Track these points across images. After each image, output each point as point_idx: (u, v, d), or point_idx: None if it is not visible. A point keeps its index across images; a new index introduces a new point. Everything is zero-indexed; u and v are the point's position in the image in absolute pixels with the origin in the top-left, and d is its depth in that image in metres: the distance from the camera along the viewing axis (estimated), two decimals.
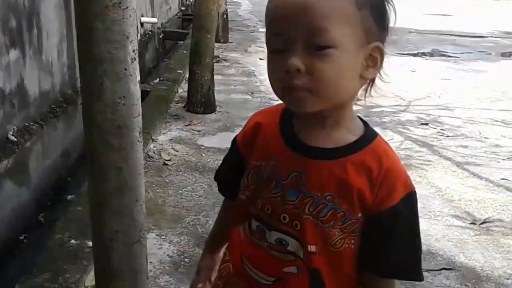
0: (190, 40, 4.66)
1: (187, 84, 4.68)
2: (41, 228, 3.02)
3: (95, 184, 1.14)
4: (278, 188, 0.89)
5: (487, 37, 10.37)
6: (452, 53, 8.34)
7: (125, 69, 1.01)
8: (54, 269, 2.05)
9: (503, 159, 3.70)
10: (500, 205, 2.97)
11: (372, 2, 0.84)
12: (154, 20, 6.20)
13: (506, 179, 3.33)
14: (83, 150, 3.84)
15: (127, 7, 0.98)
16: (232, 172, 1.00)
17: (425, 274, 2.18)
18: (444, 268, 2.29)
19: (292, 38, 0.81)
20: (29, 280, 2.00)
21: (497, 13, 14.30)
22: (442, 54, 8.26)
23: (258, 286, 0.94)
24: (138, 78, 1.05)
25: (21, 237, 2.85)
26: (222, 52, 6.79)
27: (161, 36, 6.91)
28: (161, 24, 7.22)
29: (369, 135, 0.89)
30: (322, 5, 0.80)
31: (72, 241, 2.26)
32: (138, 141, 1.10)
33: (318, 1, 0.80)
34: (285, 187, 0.89)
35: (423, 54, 8.21)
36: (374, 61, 0.85)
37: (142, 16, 5.88)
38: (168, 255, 2.30)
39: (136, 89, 1.05)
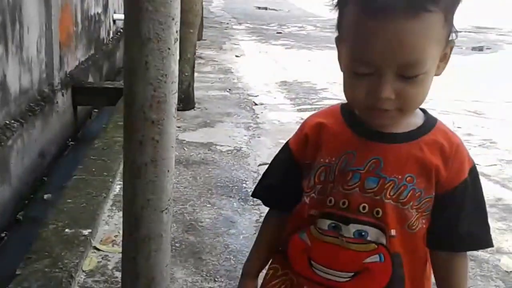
0: None
1: None
2: (21, 226, 3.12)
3: (131, 156, 1.32)
4: (356, 178, 0.92)
5: (459, 32, 10.81)
6: None
7: (169, 49, 1.19)
8: (53, 255, 2.18)
9: (475, 146, 4.01)
10: None
11: (453, 8, 0.86)
12: None
13: (477, 164, 3.60)
14: (58, 150, 3.95)
15: None
16: (288, 181, 1.02)
17: None
18: None
19: (385, 66, 0.83)
20: (29, 266, 2.12)
21: (469, 8, 14.89)
22: None
23: (335, 286, 0.96)
24: (178, 57, 1.23)
25: (2, 235, 2.95)
26: (196, 49, 6.95)
27: None
28: None
29: (431, 118, 0.97)
30: (420, 38, 0.82)
31: (67, 230, 2.39)
32: (174, 116, 1.29)
33: (418, 36, 0.81)
34: (364, 176, 0.92)
35: None
36: (445, 56, 0.90)
37: (114, 13, 5.96)
38: None
39: (176, 68, 1.23)
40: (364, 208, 0.92)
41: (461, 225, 0.95)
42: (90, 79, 4.95)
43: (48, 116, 3.74)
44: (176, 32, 1.20)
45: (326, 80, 5.79)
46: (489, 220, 2.90)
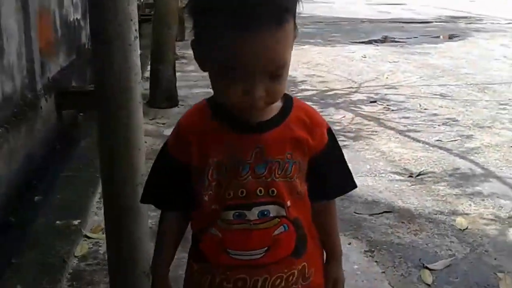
0: (151, 36, 5.00)
1: (148, 81, 5.05)
2: (12, 226, 3.33)
3: (105, 139, 1.61)
4: (246, 169, 1.07)
5: (432, 22, 11.45)
6: (400, 38, 9.30)
7: (130, 45, 1.49)
8: (46, 244, 2.43)
9: (439, 125, 4.44)
10: (433, 161, 3.67)
11: (295, 10, 1.02)
12: None
13: (440, 140, 4.06)
14: (45, 153, 4.14)
15: None
16: (175, 183, 1.14)
17: (369, 217, 2.87)
18: (385, 212, 2.90)
19: (255, 71, 0.97)
20: (24, 255, 2.37)
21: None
22: (391, 40, 9.23)
23: (255, 264, 1.11)
24: (139, 52, 1.52)
25: None
26: (179, 50, 7.14)
27: None
28: None
29: (288, 97, 1.13)
30: (285, 44, 0.99)
31: (58, 221, 2.63)
32: (139, 102, 1.58)
33: (283, 43, 0.98)
34: (252, 165, 1.07)
35: (374, 41, 9.10)
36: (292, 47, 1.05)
37: None
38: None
39: (138, 61, 1.53)
40: (260, 191, 1.08)
41: (332, 177, 1.18)
42: (74, 84, 5.13)
43: (33, 121, 3.91)
44: (136, 30, 1.48)
45: (305, 73, 6.26)
46: (447, 187, 3.34)
